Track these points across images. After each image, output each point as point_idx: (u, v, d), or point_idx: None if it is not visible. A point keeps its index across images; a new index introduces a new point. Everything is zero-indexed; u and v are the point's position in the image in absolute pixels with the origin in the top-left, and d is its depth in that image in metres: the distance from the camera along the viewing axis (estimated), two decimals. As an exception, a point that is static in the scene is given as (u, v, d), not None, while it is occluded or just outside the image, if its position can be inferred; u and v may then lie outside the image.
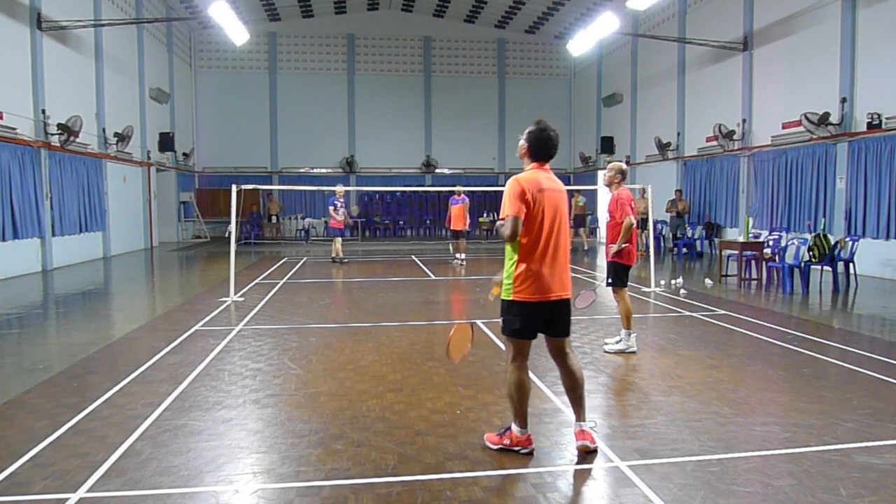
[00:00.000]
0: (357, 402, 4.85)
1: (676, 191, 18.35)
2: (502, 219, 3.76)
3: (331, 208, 15.25)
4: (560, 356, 3.96)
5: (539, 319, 3.82)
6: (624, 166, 6.61)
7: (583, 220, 20.19)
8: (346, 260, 15.38)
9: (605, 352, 6.40)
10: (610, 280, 6.52)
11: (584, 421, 3.93)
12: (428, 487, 3.44)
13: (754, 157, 16.28)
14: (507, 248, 3.84)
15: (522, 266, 3.76)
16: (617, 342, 6.48)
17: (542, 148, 3.88)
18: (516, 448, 3.87)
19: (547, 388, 5.18)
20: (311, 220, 25.40)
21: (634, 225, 6.36)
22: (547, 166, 3.96)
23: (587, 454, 3.84)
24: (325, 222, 25.96)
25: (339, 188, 15.43)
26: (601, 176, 25.51)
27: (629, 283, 6.64)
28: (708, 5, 18.24)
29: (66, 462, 3.77)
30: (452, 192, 15.75)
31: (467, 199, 15.50)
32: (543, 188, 3.78)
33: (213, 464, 3.75)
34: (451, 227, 15.49)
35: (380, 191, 26.36)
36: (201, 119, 26.58)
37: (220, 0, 15.05)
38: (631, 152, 22.89)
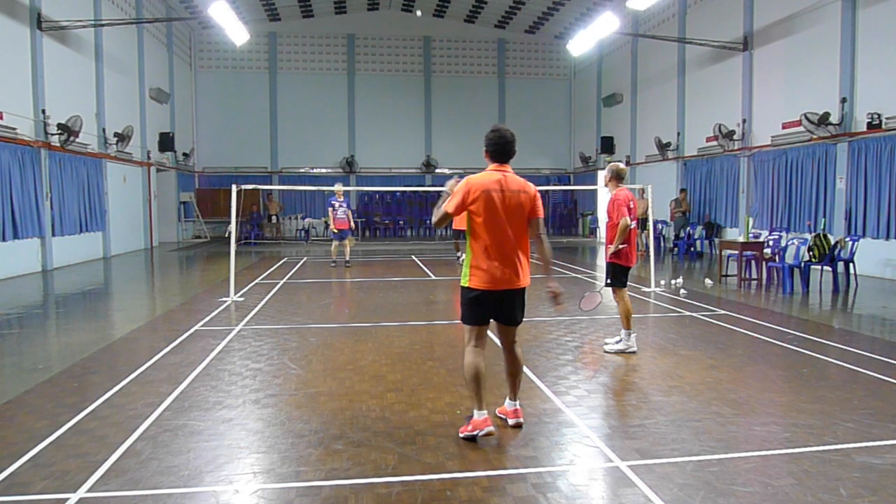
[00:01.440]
0: (357, 402, 4.85)
1: (682, 190, 18.34)
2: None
3: (329, 209, 14.36)
4: (507, 343, 4.35)
5: (487, 307, 4.16)
6: (620, 166, 6.55)
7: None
8: (334, 264, 14.51)
9: (605, 352, 6.40)
10: (608, 280, 6.55)
11: (514, 399, 4.40)
12: (428, 487, 3.44)
13: (754, 157, 16.28)
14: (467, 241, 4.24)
15: (472, 257, 4.16)
16: (617, 342, 6.48)
17: (496, 148, 4.19)
18: (476, 432, 4.07)
19: (547, 389, 5.18)
20: (311, 220, 25.40)
21: (632, 226, 6.33)
22: (507, 166, 4.22)
23: (518, 426, 4.30)
24: (325, 223, 26.07)
25: (338, 187, 14.42)
26: (601, 176, 25.56)
27: (629, 284, 6.65)
28: (708, 5, 18.25)
29: (66, 462, 3.77)
30: None
31: None
32: (490, 189, 4.08)
33: (213, 464, 3.75)
34: (455, 227, 15.30)
35: (380, 191, 26.36)
36: (201, 119, 26.59)
37: (220, 0, 15.05)
38: (631, 152, 22.90)
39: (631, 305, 6.46)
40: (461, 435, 4.14)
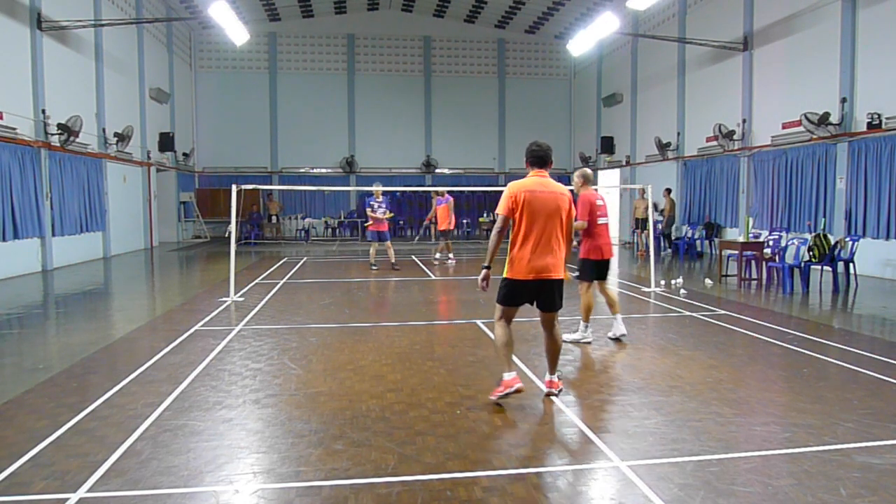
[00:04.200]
0: (357, 402, 4.85)
1: (665, 189, 18.30)
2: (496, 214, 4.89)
3: (368, 210, 13.80)
4: (547, 326, 4.99)
5: (524, 294, 4.81)
6: (587, 171, 6.94)
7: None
8: (375, 267, 13.94)
9: (564, 341, 6.61)
10: (577, 274, 6.99)
11: (552, 373, 5.05)
12: (428, 487, 3.44)
13: (754, 157, 16.28)
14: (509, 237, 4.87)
15: (512, 252, 4.78)
16: (574, 332, 6.95)
17: (534, 157, 4.94)
18: (508, 390, 4.74)
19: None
20: (311, 220, 25.41)
21: (601, 222, 6.77)
22: (544, 172, 4.92)
23: (550, 395, 4.95)
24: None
25: (377, 188, 13.76)
26: (601, 176, 25.57)
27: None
28: (708, 5, 18.24)
29: (66, 462, 3.77)
30: (437, 193, 15.31)
31: (451, 199, 15.27)
32: (533, 190, 4.75)
33: (213, 464, 3.75)
34: (440, 228, 15.16)
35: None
36: (201, 119, 26.59)
37: (220, 0, 15.05)
38: (631, 152, 22.89)
39: (593, 302, 6.89)
40: (493, 398, 4.80)
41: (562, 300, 4.93)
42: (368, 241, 14.29)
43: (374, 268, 13.92)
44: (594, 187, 6.94)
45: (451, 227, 15.34)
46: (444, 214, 15.07)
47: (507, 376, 4.79)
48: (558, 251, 4.78)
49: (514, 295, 4.81)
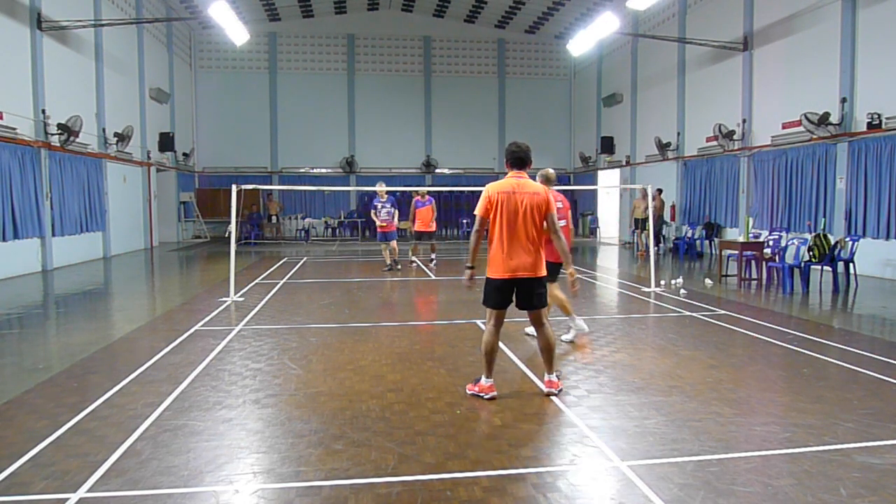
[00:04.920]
0: (357, 402, 4.85)
1: (657, 189, 18.26)
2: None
3: (371, 211, 13.67)
4: (535, 325, 5.06)
5: (504, 293, 4.84)
6: (549, 171, 6.70)
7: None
8: (387, 269, 13.64)
9: (562, 341, 6.73)
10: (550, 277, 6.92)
11: (550, 373, 5.08)
12: (428, 487, 3.44)
13: (754, 157, 16.28)
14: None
15: (490, 251, 4.86)
16: (569, 331, 6.96)
17: (513, 158, 4.99)
18: (482, 394, 4.90)
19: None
20: (311, 220, 25.41)
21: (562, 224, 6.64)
22: (523, 173, 4.96)
23: (550, 395, 4.97)
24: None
25: (380, 187, 13.47)
26: (601, 176, 25.56)
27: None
28: (708, 5, 18.25)
29: (66, 462, 3.76)
30: (418, 194, 14.75)
31: (433, 201, 14.80)
32: (508, 191, 4.81)
33: (213, 464, 3.75)
34: (420, 229, 14.54)
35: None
36: (201, 119, 26.59)
37: (220, 0, 15.05)
38: (631, 152, 22.89)
39: (563, 294, 6.84)
40: (468, 391, 5.00)
41: (542, 299, 4.94)
42: (378, 242, 14.06)
43: (388, 268, 13.65)
44: (555, 188, 6.81)
45: (433, 230, 15.07)
46: (427, 216, 14.57)
47: (485, 381, 4.92)
48: (535, 251, 4.81)
49: (494, 294, 4.85)
